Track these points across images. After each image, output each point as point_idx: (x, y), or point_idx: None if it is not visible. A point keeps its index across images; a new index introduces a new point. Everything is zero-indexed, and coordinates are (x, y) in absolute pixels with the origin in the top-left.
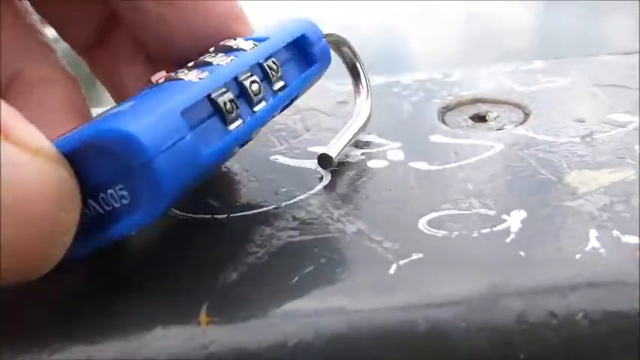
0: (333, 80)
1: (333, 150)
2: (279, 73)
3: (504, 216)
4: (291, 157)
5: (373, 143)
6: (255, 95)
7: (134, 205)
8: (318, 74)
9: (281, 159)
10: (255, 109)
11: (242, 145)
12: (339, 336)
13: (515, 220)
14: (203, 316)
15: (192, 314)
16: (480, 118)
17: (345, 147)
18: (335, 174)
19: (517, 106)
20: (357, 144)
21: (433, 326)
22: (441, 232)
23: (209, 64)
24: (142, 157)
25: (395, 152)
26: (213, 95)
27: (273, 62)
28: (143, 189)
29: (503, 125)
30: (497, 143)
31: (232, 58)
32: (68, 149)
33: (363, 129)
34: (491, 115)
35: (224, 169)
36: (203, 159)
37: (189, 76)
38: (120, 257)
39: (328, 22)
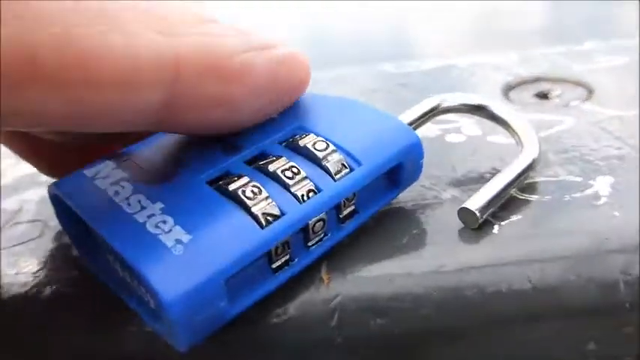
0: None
1: (476, 204)
2: (353, 200)
3: (591, 181)
4: None
5: (447, 120)
6: (315, 233)
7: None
8: (402, 183)
9: None
10: (311, 244)
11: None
12: (452, 290)
13: (602, 184)
14: (324, 274)
15: (312, 274)
16: (544, 96)
17: (492, 201)
18: None
19: (579, 84)
20: (433, 121)
21: (543, 279)
22: (534, 197)
23: (276, 177)
24: (170, 317)
25: (471, 127)
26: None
27: (352, 197)
28: (169, 331)
29: (568, 102)
30: (567, 117)
31: (310, 188)
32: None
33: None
34: (554, 93)
35: None
36: (232, 313)
37: (257, 206)
38: None
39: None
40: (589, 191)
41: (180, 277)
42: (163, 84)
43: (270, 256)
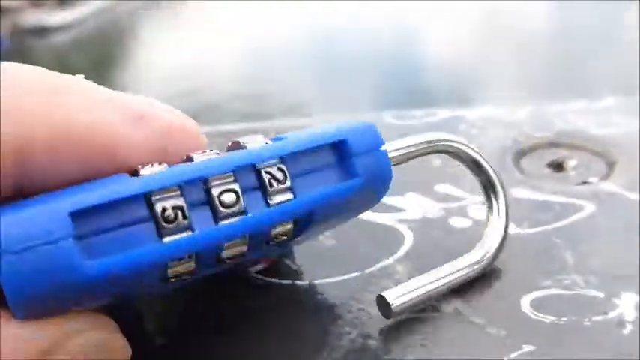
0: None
1: (394, 296)
2: (287, 184)
3: (615, 299)
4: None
5: (451, 196)
6: (226, 207)
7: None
8: (363, 193)
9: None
10: (222, 222)
11: (220, 263)
12: None
13: (627, 304)
14: None
15: None
16: (558, 166)
17: (414, 299)
18: (417, 232)
19: (597, 153)
20: (434, 195)
21: None
22: (549, 318)
23: (189, 159)
24: None
25: (478, 209)
26: (153, 198)
27: (279, 169)
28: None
29: (587, 178)
30: (587, 203)
31: (213, 156)
32: None
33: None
34: (569, 164)
35: None
36: (87, 270)
37: (145, 170)
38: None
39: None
40: (613, 313)
41: (15, 211)
42: (6, 170)
43: (157, 226)
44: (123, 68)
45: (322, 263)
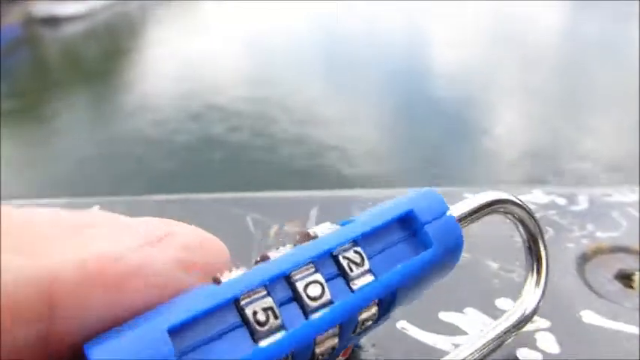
0: None
1: None
2: (366, 266)
3: None
4: (421, 328)
5: (514, 315)
6: (313, 300)
7: None
8: (438, 261)
9: (410, 329)
10: (313, 316)
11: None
12: None
13: None
14: None
15: None
16: (627, 278)
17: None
18: None
19: None
20: (496, 313)
21: None
22: None
23: (266, 258)
24: None
25: (546, 337)
26: (242, 302)
27: (356, 252)
28: None
29: None
30: None
31: (288, 250)
32: None
33: (515, 330)
34: (637, 277)
35: None
36: None
37: (225, 277)
38: None
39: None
40: None
41: (112, 340)
42: (38, 320)
43: (251, 330)
44: (131, 62)
45: None
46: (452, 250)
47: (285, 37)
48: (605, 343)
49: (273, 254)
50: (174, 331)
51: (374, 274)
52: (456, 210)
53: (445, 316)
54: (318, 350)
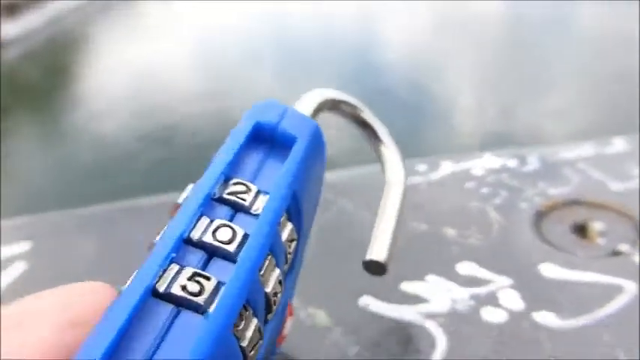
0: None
1: (382, 254)
2: (252, 190)
3: None
4: (384, 301)
5: (477, 278)
6: (229, 243)
7: None
8: (309, 152)
9: (373, 303)
10: (240, 257)
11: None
12: None
13: None
14: None
15: None
16: (582, 229)
17: (392, 242)
18: (448, 331)
19: (622, 213)
20: (459, 279)
21: None
22: None
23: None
24: None
25: (508, 295)
26: (162, 288)
27: (235, 183)
28: None
29: (616, 245)
30: (626, 281)
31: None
32: None
33: (402, 207)
34: (594, 228)
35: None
36: None
37: (128, 282)
38: None
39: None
40: None
41: None
42: None
43: (185, 302)
44: (76, 80)
45: None
46: (314, 136)
47: (236, 38)
48: (568, 294)
49: (157, 237)
50: (110, 356)
51: (265, 193)
52: (297, 105)
53: (407, 285)
54: (268, 289)
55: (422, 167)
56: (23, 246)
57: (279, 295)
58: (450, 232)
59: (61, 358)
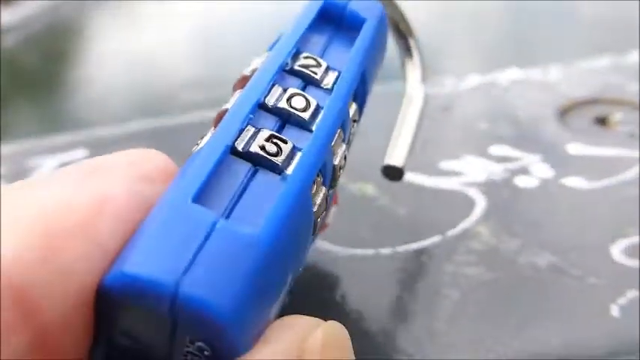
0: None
1: (398, 158)
2: (323, 65)
3: None
4: (426, 175)
5: (508, 156)
6: (303, 111)
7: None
8: (376, 33)
9: (416, 178)
10: (314, 126)
11: (332, 185)
12: None
13: None
14: None
15: None
16: (603, 121)
17: (409, 148)
18: (486, 195)
19: (638, 106)
20: (491, 156)
21: None
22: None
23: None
24: (164, 300)
25: (539, 167)
26: (241, 146)
27: (306, 57)
28: (204, 332)
29: (633, 130)
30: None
31: (238, 93)
32: None
33: (420, 120)
34: (614, 118)
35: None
36: (263, 238)
37: (202, 141)
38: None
39: None
40: None
41: (136, 254)
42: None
43: (272, 166)
44: (75, 64)
45: (398, 231)
46: (380, 19)
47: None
48: (592, 164)
49: (228, 104)
50: (201, 198)
51: (335, 70)
52: None
53: (445, 164)
54: (336, 162)
55: (449, 80)
56: None
57: (342, 171)
58: (482, 125)
59: (142, 206)
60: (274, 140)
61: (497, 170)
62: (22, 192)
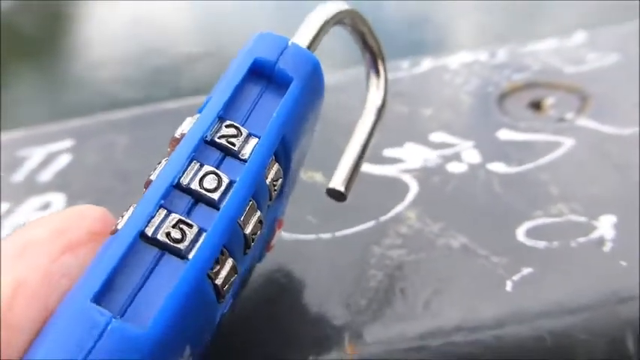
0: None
1: (340, 182)
2: (243, 134)
3: (595, 222)
4: (371, 163)
5: (445, 143)
6: (214, 191)
7: None
8: (306, 93)
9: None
10: (223, 204)
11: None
12: (473, 355)
13: (606, 225)
14: (349, 346)
15: (336, 344)
16: (537, 106)
17: (354, 172)
18: (419, 180)
19: (573, 89)
20: (430, 144)
21: (558, 338)
22: (541, 244)
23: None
24: None
25: (470, 153)
26: (147, 231)
27: (227, 126)
28: None
29: (563, 114)
30: (566, 139)
31: (163, 163)
32: None
33: (369, 141)
34: (547, 102)
35: (306, 179)
36: (151, 335)
37: (121, 220)
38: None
39: None
40: (594, 235)
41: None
42: None
43: (176, 253)
44: (72, 27)
45: (340, 216)
46: (313, 74)
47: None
48: (516, 150)
49: (153, 175)
50: (99, 297)
51: (255, 136)
52: (299, 36)
53: (388, 151)
54: (247, 231)
55: (405, 64)
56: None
57: (258, 233)
58: (427, 111)
59: (62, 281)
60: (180, 226)
61: (432, 157)
62: None
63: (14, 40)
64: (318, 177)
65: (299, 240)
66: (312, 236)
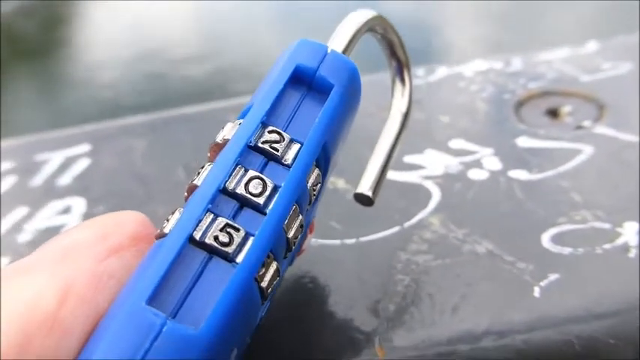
0: None
1: (368, 187)
2: (286, 139)
3: (619, 229)
4: (393, 170)
5: (465, 150)
6: (259, 196)
7: None
8: (345, 99)
9: None
10: (269, 209)
11: (293, 250)
12: (495, 357)
13: (630, 232)
14: (378, 349)
15: (366, 348)
16: (554, 113)
17: (380, 177)
18: (441, 187)
19: (589, 97)
20: (450, 150)
21: (586, 343)
22: (567, 250)
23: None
24: None
25: (490, 160)
26: (196, 236)
27: (270, 132)
28: None
29: (580, 122)
30: (585, 146)
31: (208, 166)
32: None
33: (395, 148)
34: (564, 110)
35: (330, 187)
36: (203, 337)
37: (166, 227)
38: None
39: None
40: (619, 241)
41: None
42: None
43: (224, 256)
44: (71, 30)
45: (363, 222)
46: (352, 80)
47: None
48: (537, 157)
49: (197, 179)
50: (153, 299)
51: (298, 142)
52: (335, 43)
53: (409, 158)
54: (290, 235)
55: (420, 72)
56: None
57: (299, 237)
58: (444, 118)
59: (109, 282)
60: (227, 229)
61: (453, 163)
62: (5, 286)
63: (14, 42)
64: (341, 183)
65: (324, 245)
66: (336, 242)
